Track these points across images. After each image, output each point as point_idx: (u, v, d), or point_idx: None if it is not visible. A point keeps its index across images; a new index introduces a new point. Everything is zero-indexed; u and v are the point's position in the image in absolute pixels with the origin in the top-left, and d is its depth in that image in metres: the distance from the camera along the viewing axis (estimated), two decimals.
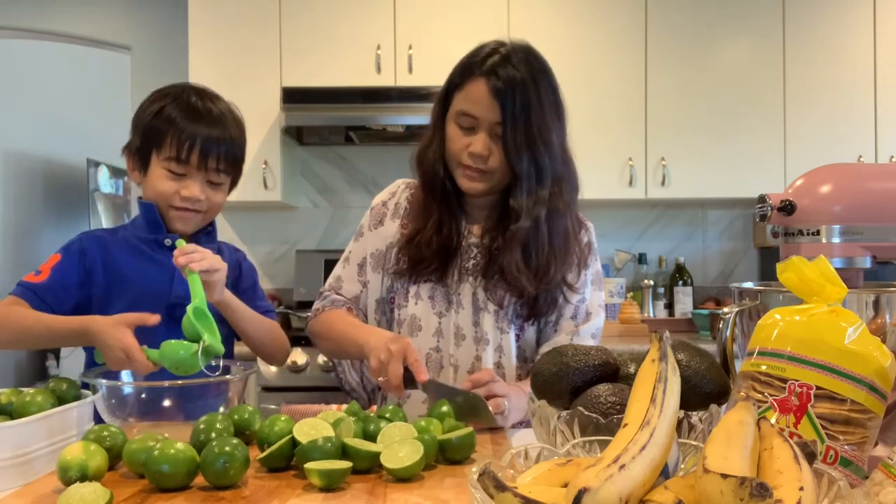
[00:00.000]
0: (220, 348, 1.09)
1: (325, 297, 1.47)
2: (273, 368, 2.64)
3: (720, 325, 1.01)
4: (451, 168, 1.35)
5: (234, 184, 1.44)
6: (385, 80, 3.07)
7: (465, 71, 1.30)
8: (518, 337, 1.36)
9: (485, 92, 1.26)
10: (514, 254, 1.30)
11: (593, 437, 0.73)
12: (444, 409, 1.06)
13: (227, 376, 1.07)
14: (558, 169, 1.31)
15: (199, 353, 1.06)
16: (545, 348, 1.36)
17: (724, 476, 0.49)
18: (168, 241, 1.36)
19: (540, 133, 1.27)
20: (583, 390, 0.91)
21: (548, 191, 1.30)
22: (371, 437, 0.96)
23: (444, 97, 1.34)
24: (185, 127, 1.32)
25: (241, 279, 1.46)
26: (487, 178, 1.31)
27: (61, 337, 1.23)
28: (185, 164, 1.32)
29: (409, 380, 1.13)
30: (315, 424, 0.94)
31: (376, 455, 0.88)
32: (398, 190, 1.50)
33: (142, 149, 1.36)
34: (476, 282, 1.35)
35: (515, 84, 1.25)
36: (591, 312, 1.39)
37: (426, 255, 1.35)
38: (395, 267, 1.38)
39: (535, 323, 1.37)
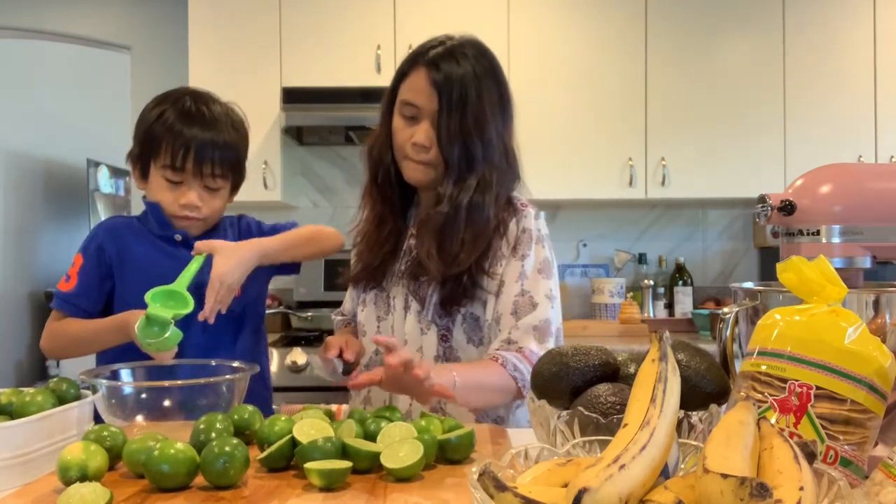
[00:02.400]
0: (165, 317, 1.14)
1: (334, 321, 1.56)
2: (273, 368, 2.64)
3: (720, 325, 1.01)
4: (398, 159, 1.34)
5: (235, 186, 1.45)
6: (385, 81, 3.03)
7: (410, 61, 1.31)
8: (445, 338, 1.32)
9: (425, 81, 1.27)
10: (427, 237, 1.29)
11: (593, 437, 0.73)
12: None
13: (227, 376, 1.07)
14: (494, 161, 1.30)
15: (143, 320, 1.14)
16: (490, 349, 1.30)
17: (724, 476, 0.49)
18: (178, 237, 1.39)
19: (476, 124, 1.27)
20: (583, 390, 0.91)
21: (475, 180, 1.29)
22: (371, 437, 0.96)
23: (392, 89, 1.35)
24: (179, 134, 1.33)
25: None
26: (430, 168, 1.31)
27: (106, 338, 1.31)
28: (181, 171, 1.34)
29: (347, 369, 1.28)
30: (315, 424, 0.94)
31: (376, 455, 0.88)
32: None
33: (141, 156, 1.38)
34: (408, 284, 1.35)
35: (454, 74, 1.26)
36: (537, 303, 1.29)
37: (366, 254, 1.37)
38: (350, 274, 1.42)
39: (458, 321, 1.31)
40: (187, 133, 1.33)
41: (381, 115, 1.38)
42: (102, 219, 5.54)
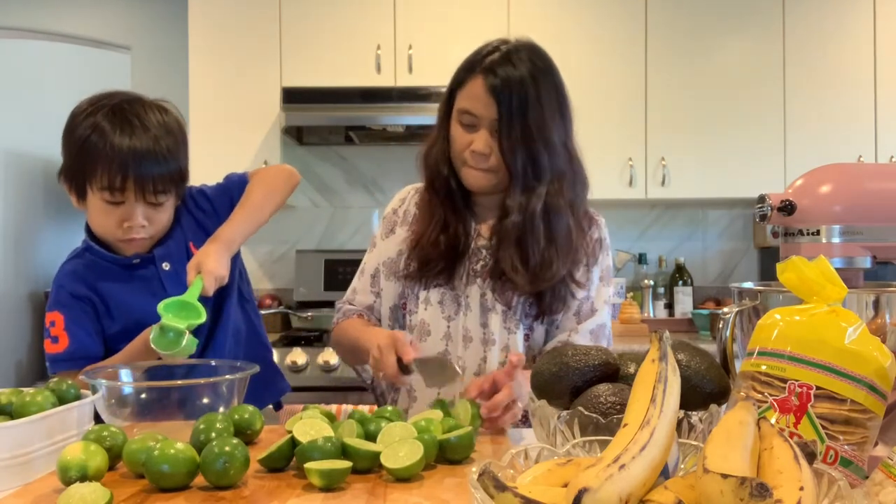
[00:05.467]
0: (180, 327, 1.14)
1: (339, 309, 1.50)
2: None
3: (720, 325, 1.01)
4: (457, 167, 1.34)
5: (179, 194, 1.38)
6: (385, 80, 3.06)
7: (467, 69, 1.30)
8: (527, 337, 1.35)
9: (483, 89, 1.26)
10: (508, 250, 1.30)
11: (593, 437, 0.73)
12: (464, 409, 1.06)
13: (227, 376, 1.07)
14: (559, 166, 1.30)
15: (157, 330, 1.14)
16: (548, 347, 1.35)
17: (724, 476, 0.49)
18: (137, 261, 1.35)
19: (538, 131, 1.26)
20: (583, 390, 0.91)
21: (545, 187, 1.29)
22: (371, 437, 0.96)
23: (448, 96, 1.34)
24: (116, 153, 1.24)
25: (217, 211, 1.43)
26: (491, 175, 1.31)
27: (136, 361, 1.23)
28: (121, 192, 1.26)
29: (405, 368, 1.15)
30: (315, 424, 0.94)
31: (376, 455, 0.88)
32: (408, 196, 1.49)
33: (75, 176, 1.29)
34: (484, 283, 1.34)
35: (513, 81, 1.24)
36: (597, 309, 1.37)
37: (433, 256, 1.34)
38: (405, 271, 1.38)
39: (543, 322, 1.35)
40: (125, 150, 1.24)
41: (438, 121, 1.37)
42: None
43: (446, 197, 1.36)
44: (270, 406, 1.55)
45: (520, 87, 1.25)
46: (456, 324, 1.35)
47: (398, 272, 1.40)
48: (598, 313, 1.37)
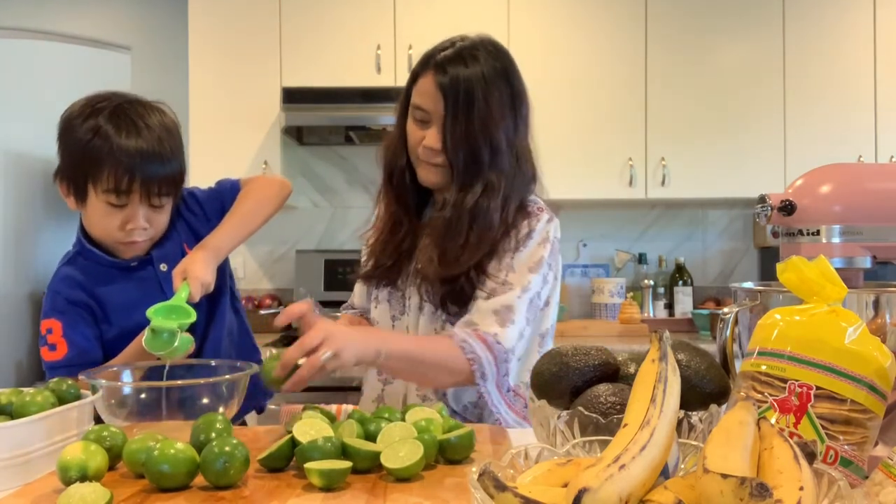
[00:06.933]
0: (171, 327, 1.14)
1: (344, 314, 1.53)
2: None
3: (720, 325, 1.01)
4: (413, 162, 1.33)
5: (177, 197, 1.37)
6: (385, 80, 3.07)
7: (422, 64, 1.30)
8: None
9: (432, 86, 1.25)
10: (430, 243, 1.28)
11: (593, 437, 0.73)
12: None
13: (227, 376, 1.07)
14: (502, 165, 1.28)
15: (149, 332, 1.14)
16: (451, 330, 1.26)
17: (724, 476, 0.49)
18: (134, 264, 1.34)
19: (482, 129, 1.24)
20: (583, 390, 0.91)
21: (481, 185, 1.27)
22: (371, 437, 0.96)
23: (406, 91, 1.34)
24: (122, 155, 1.23)
25: (207, 215, 1.42)
26: (443, 170, 1.30)
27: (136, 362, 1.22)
28: (126, 195, 1.26)
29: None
30: (315, 424, 0.94)
31: (376, 455, 0.88)
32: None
33: (76, 177, 1.28)
34: (421, 284, 1.32)
35: (461, 79, 1.24)
36: (511, 292, 1.26)
37: (382, 255, 1.36)
38: (362, 270, 1.40)
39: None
40: (132, 151, 1.23)
41: (397, 116, 1.37)
42: None
43: (401, 193, 1.36)
44: (254, 412, 1.54)
45: (467, 84, 1.24)
46: (400, 323, 1.36)
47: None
48: (508, 295, 1.25)
